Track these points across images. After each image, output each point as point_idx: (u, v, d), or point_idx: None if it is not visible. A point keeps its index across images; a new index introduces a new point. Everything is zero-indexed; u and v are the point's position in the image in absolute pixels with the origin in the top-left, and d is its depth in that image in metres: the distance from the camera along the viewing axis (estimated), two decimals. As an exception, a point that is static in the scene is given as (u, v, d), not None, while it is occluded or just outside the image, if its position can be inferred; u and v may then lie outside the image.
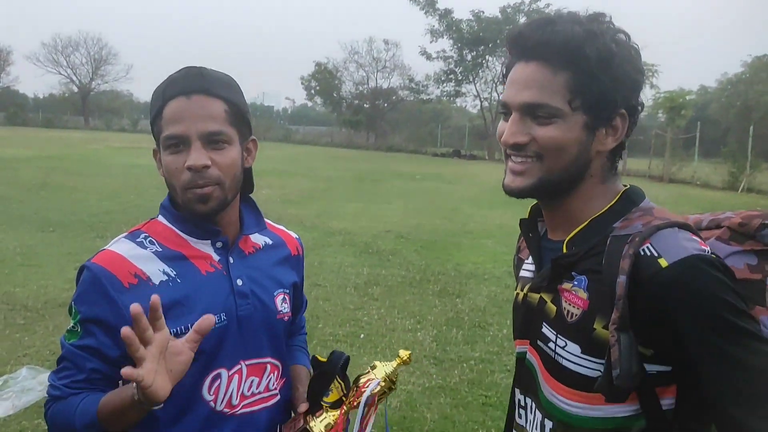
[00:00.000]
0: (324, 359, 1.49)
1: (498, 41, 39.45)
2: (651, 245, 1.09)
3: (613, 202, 1.23)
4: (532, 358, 1.30)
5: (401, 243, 9.64)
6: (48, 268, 7.28)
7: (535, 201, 1.34)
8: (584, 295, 1.17)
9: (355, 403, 1.40)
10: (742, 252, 1.19)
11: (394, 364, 1.43)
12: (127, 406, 1.23)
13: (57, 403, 1.35)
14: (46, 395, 1.40)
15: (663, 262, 1.07)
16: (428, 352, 5.16)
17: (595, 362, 1.14)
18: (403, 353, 1.43)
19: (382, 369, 1.43)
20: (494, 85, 41.82)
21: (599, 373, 1.12)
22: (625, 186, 1.28)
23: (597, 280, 1.15)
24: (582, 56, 1.14)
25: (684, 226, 1.14)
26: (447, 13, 40.76)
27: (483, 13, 40.34)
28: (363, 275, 7.55)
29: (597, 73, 1.14)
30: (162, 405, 1.20)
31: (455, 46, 41.74)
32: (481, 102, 42.76)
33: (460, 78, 43.04)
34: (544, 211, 1.33)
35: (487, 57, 41.57)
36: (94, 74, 61.86)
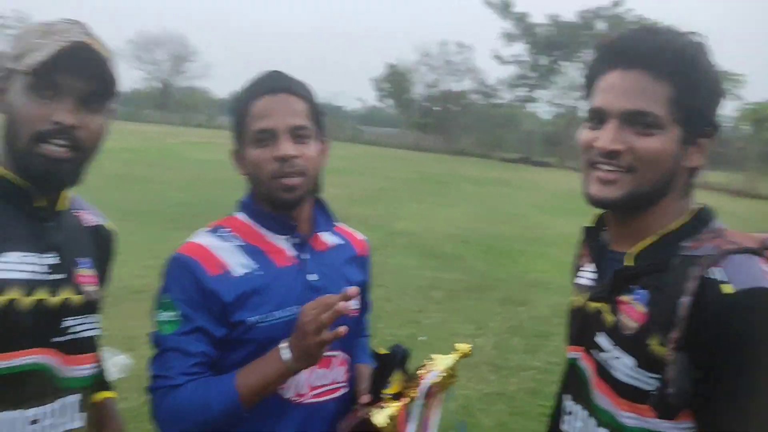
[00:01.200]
0: (385, 352, 1.54)
1: (575, 46, 38.72)
2: (720, 270, 1.09)
3: (686, 220, 1.23)
4: (586, 365, 1.31)
5: (465, 247, 9.62)
6: (125, 255, 7.52)
7: (602, 210, 1.33)
8: (643, 309, 1.17)
9: (414, 395, 1.45)
10: None
11: (454, 356, 1.49)
12: (277, 376, 1.38)
13: (176, 391, 1.40)
14: (152, 386, 1.46)
15: (729, 288, 1.06)
16: (488, 359, 5.15)
17: (648, 376, 1.15)
18: (463, 346, 1.50)
19: (442, 361, 1.48)
20: (569, 90, 41.05)
21: (651, 387, 1.14)
22: (699, 204, 1.27)
23: (658, 297, 1.15)
24: (690, 68, 1.16)
25: (757, 252, 1.13)
26: (523, 16, 40.26)
27: (560, 17, 39.64)
28: (425, 278, 7.59)
29: (699, 87, 1.17)
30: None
31: (530, 51, 41.16)
32: (555, 108, 42.10)
33: (533, 83, 42.40)
34: (614, 222, 1.32)
35: (562, 62, 40.83)
36: (175, 71, 64.23)
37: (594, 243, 1.38)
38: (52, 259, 1.33)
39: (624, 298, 1.22)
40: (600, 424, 1.25)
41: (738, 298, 1.06)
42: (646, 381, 1.15)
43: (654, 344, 1.14)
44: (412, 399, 1.47)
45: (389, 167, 23.50)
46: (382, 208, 12.89)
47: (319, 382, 1.54)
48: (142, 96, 65.56)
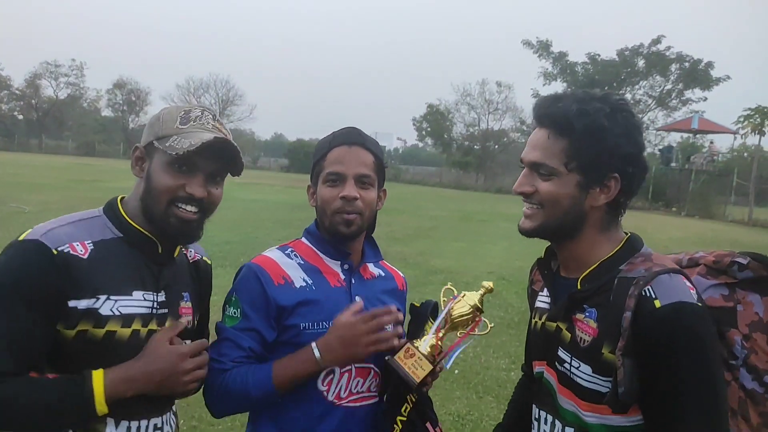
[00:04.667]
0: (417, 305, 1.84)
1: (615, 84, 38.62)
2: (651, 288, 1.34)
3: (617, 249, 1.50)
4: (550, 377, 1.55)
5: (503, 284, 9.70)
6: (174, 291, 7.97)
7: (548, 243, 1.61)
8: (594, 325, 1.43)
9: (448, 326, 1.73)
10: (717, 285, 1.48)
11: (480, 292, 1.76)
12: (307, 369, 1.68)
13: (225, 374, 1.71)
14: (208, 367, 1.73)
15: (657, 303, 1.32)
16: (521, 392, 5.24)
17: (603, 380, 1.40)
18: (487, 283, 1.76)
19: (470, 296, 1.74)
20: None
21: (608, 389, 1.38)
22: (627, 234, 1.54)
23: (605, 314, 1.41)
24: (572, 129, 1.43)
25: (679, 271, 1.39)
26: (561, 56, 40.39)
27: (599, 56, 39.68)
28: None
29: (586, 143, 1.43)
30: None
31: (569, 89, 41.11)
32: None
33: (573, 121, 42.23)
34: (558, 252, 1.60)
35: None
36: (221, 114, 65.78)
37: (546, 271, 1.65)
38: (162, 296, 1.64)
39: (578, 316, 1.47)
40: (566, 424, 1.50)
41: (665, 311, 1.31)
42: (602, 384, 1.40)
43: (606, 353, 1.39)
44: (447, 330, 1.75)
45: (429, 206, 23.74)
46: (422, 245, 13.06)
47: (356, 389, 1.80)
48: (190, 139, 67.41)
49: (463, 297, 1.77)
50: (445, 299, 1.80)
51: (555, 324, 1.54)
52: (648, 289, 1.34)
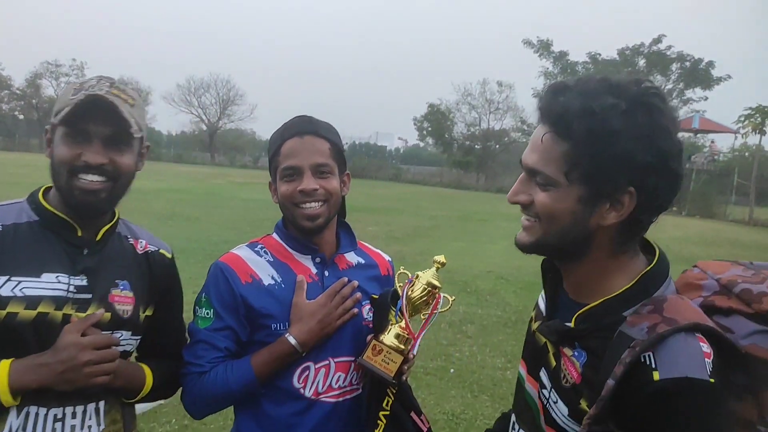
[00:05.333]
0: (376, 297, 1.81)
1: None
2: (651, 354, 1.10)
3: (628, 286, 1.22)
4: (531, 388, 1.39)
5: (501, 284, 9.69)
6: (171, 290, 7.98)
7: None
8: (579, 370, 1.22)
9: (409, 310, 1.69)
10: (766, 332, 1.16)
11: (433, 268, 1.71)
12: (284, 356, 1.68)
13: (203, 376, 1.69)
14: (184, 371, 1.73)
15: (656, 375, 1.08)
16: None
17: (576, 426, 1.20)
18: (438, 257, 1.71)
19: (424, 276, 1.70)
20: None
21: None
22: (651, 262, 1.25)
23: (593, 366, 1.19)
24: (592, 130, 1.13)
25: (694, 329, 1.13)
26: (562, 55, 40.42)
27: (600, 55, 39.67)
28: (459, 313, 7.69)
29: (591, 150, 1.13)
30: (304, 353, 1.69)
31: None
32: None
33: (573, 120, 42.23)
34: (561, 272, 1.36)
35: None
36: (222, 114, 66.11)
37: (550, 275, 1.42)
38: (81, 280, 1.57)
39: (566, 351, 1.26)
40: None
41: (665, 386, 1.07)
42: (572, 428, 1.23)
43: (584, 404, 1.19)
44: (411, 315, 1.71)
45: (430, 205, 23.70)
46: (422, 245, 13.04)
47: (338, 384, 1.77)
48: (190, 138, 67.54)
49: (417, 278, 1.72)
50: (401, 284, 1.74)
51: (544, 340, 1.36)
52: (648, 355, 1.11)
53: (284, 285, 1.75)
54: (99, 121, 1.53)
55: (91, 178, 1.53)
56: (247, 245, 1.85)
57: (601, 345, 1.18)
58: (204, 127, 66.51)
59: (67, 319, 1.53)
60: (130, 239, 1.75)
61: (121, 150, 1.57)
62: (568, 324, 1.27)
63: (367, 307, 1.84)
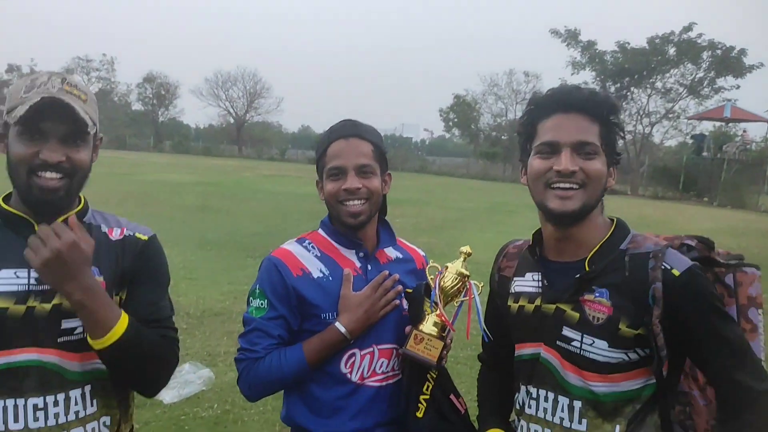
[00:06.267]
0: (410, 290, 1.93)
1: (645, 73, 38.03)
2: (664, 263, 1.51)
3: (612, 229, 1.64)
4: (550, 356, 1.63)
5: (529, 275, 9.69)
6: (205, 281, 8.22)
7: (537, 228, 1.70)
8: (608, 303, 1.55)
9: (443, 299, 1.83)
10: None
11: (461, 259, 1.85)
12: (334, 344, 1.82)
13: (258, 362, 1.83)
14: (240, 357, 1.87)
15: (676, 272, 1.50)
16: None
17: (618, 352, 1.54)
18: (464, 248, 1.86)
19: (453, 267, 1.83)
20: (639, 117, 40.23)
21: (620, 360, 1.54)
22: (612, 216, 1.68)
23: (619, 292, 1.54)
24: (610, 113, 1.59)
25: (670, 245, 1.59)
26: (590, 44, 39.79)
27: (629, 44, 38.98)
28: (483, 303, 7.73)
29: (614, 127, 1.61)
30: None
31: (598, 78, 40.56)
32: (624, 135, 41.10)
33: (601, 110, 41.61)
34: (555, 237, 1.67)
35: (632, 89, 40.14)
36: (249, 107, 66.63)
37: (536, 257, 1.73)
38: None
39: (587, 297, 1.58)
40: (573, 398, 1.60)
41: (685, 277, 1.49)
42: (616, 357, 1.54)
43: (623, 328, 1.52)
44: (446, 303, 1.84)
45: (456, 197, 23.70)
46: (449, 237, 13.08)
47: (381, 369, 1.91)
48: (217, 131, 68.15)
49: (446, 269, 1.85)
50: (432, 277, 1.87)
51: (554, 306, 1.63)
52: (663, 263, 1.50)
53: (332, 278, 1.88)
54: (55, 119, 1.54)
55: (49, 176, 1.55)
56: (295, 241, 1.98)
57: (616, 275, 1.55)
58: (231, 120, 67.17)
59: (31, 311, 1.54)
60: (104, 228, 1.73)
61: (77, 146, 1.59)
62: (579, 274, 1.58)
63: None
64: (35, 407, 1.55)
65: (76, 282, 1.51)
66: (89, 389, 1.63)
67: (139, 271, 1.73)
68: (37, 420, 1.55)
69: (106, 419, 1.67)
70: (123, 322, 1.56)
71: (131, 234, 1.76)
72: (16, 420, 1.53)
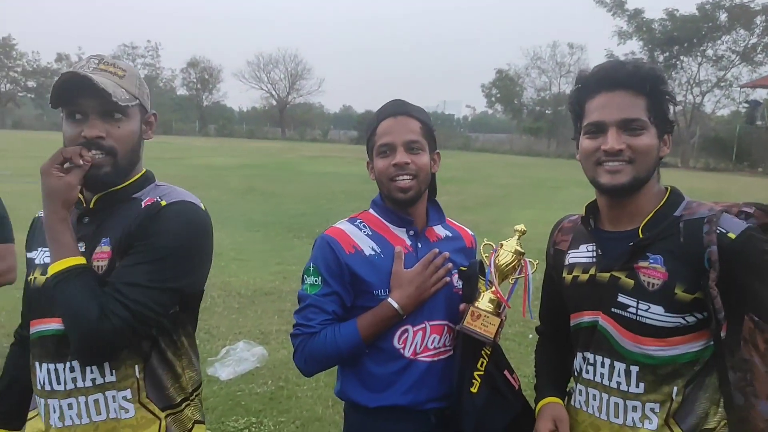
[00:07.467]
0: (464, 268, 1.97)
1: (695, 40, 36.74)
2: (719, 227, 1.54)
3: (667, 197, 1.68)
4: (606, 323, 1.66)
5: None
6: (255, 262, 8.38)
7: (591, 200, 1.75)
8: (663, 269, 1.58)
9: (498, 277, 1.87)
10: None
11: (516, 237, 1.90)
12: (387, 319, 1.86)
13: (314, 337, 1.87)
14: (295, 332, 1.91)
15: (732, 236, 1.52)
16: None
17: (675, 317, 1.58)
18: (519, 226, 1.90)
19: (508, 244, 1.88)
20: (689, 87, 38.95)
21: (677, 324, 1.58)
22: (667, 185, 1.71)
23: (674, 257, 1.58)
24: (655, 85, 1.60)
25: (727, 211, 1.61)
26: (637, 13, 38.64)
27: (678, 11, 37.67)
28: (535, 280, 7.72)
29: (662, 97, 1.62)
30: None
31: (645, 48, 39.39)
32: (675, 102, 39.90)
33: (650, 81, 40.44)
34: (610, 208, 1.72)
35: (681, 57, 38.87)
36: (291, 88, 66.96)
37: (590, 228, 1.77)
38: (81, 247, 1.63)
39: (641, 264, 1.61)
40: (630, 363, 1.63)
41: (741, 240, 1.51)
42: (672, 321, 1.58)
43: (679, 293, 1.56)
44: (500, 281, 1.88)
45: (500, 173, 23.53)
46: (493, 214, 13.03)
47: (433, 345, 1.94)
48: (260, 114, 68.79)
49: (501, 247, 1.88)
50: (487, 255, 1.90)
51: (608, 274, 1.67)
52: (718, 227, 1.54)
53: (383, 255, 1.93)
54: (85, 96, 1.57)
55: (92, 153, 1.60)
56: (347, 220, 2.02)
57: (671, 241, 1.58)
58: (274, 102, 67.65)
59: None
60: (144, 200, 1.71)
61: (117, 121, 1.62)
62: (633, 241, 1.62)
63: (456, 276, 1.98)
64: (71, 369, 1.64)
65: (53, 207, 1.58)
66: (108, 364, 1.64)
67: (139, 234, 1.63)
68: (75, 381, 1.64)
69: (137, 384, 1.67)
70: (65, 263, 1.55)
71: (157, 200, 1.70)
72: (58, 382, 1.64)
